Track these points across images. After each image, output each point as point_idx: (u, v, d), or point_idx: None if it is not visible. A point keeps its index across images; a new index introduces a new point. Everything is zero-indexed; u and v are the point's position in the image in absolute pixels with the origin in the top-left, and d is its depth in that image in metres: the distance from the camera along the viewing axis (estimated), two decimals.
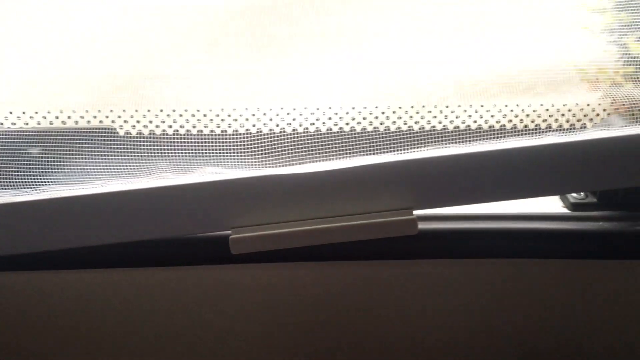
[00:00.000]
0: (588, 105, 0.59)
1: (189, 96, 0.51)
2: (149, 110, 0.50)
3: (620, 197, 0.69)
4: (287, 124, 0.53)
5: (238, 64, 0.49)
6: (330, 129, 0.54)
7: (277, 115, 0.54)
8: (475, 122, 0.61)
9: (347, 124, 0.56)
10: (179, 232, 0.58)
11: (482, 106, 0.59)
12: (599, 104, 0.58)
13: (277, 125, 0.53)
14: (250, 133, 0.52)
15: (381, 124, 0.58)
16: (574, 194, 0.71)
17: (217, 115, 0.52)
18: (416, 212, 0.62)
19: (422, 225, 0.65)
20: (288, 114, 0.54)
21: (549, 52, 0.54)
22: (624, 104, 0.60)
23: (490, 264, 0.69)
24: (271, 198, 0.57)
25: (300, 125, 0.55)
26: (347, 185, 0.57)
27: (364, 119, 0.57)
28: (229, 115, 0.51)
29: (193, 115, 0.50)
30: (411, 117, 0.58)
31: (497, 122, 0.58)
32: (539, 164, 0.58)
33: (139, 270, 0.67)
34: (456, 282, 0.71)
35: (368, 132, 0.58)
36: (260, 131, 0.52)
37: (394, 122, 0.58)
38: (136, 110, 0.50)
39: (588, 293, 0.72)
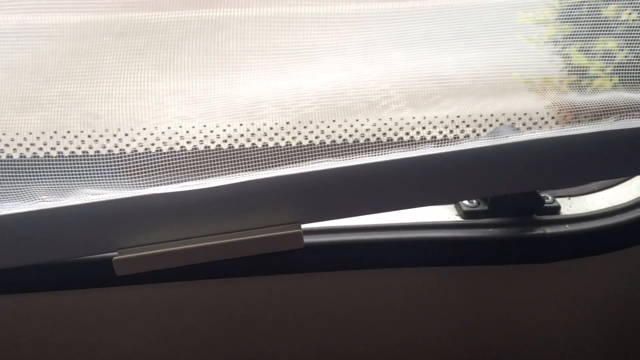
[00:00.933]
0: (537, 113, 0.61)
1: (62, 118, 0.50)
2: (17, 134, 0.49)
3: (509, 204, 0.71)
4: (163, 143, 0.52)
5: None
6: (208, 147, 0.54)
7: (162, 134, 0.54)
8: (374, 135, 0.63)
9: (224, 141, 0.57)
10: (62, 256, 0.57)
11: (390, 119, 0.60)
12: (546, 112, 0.60)
13: (153, 145, 0.53)
14: (125, 153, 0.51)
15: (270, 139, 0.59)
16: (467, 202, 0.73)
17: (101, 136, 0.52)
18: (305, 226, 0.63)
19: (311, 239, 0.66)
20: (174, 134, 0.54)
21: (496, 62, 0.56)
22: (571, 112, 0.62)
23: (384, 274, 0.70)
24: (156, 218, 0.57)
25: (182, 145, 0.54)
26: (232, 202, 0.58)
27: (241, 136, 0.57)
28: (101, 136, 0.50)
29: (64, 137, 0.50)
30: (299, 132, 0.59)
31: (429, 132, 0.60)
32: (424, 174, 0.60)
33: (19, 297, 0.65)
34: (353, 294, 0.72)
35: (258, 148, 0.58)
36: (135, 151, 0.52)
37: (283, 137, 0.59)
38: (4, 134, 0.49)
39: (485, 297, 0.74)
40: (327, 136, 0.55)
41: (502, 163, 0.61)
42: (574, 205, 0.75)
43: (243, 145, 0.54)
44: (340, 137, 0.56)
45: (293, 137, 0.55)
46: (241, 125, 0.53)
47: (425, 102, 0.56)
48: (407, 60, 0.52)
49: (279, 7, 0.48)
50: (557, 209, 0.73)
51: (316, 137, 0.55)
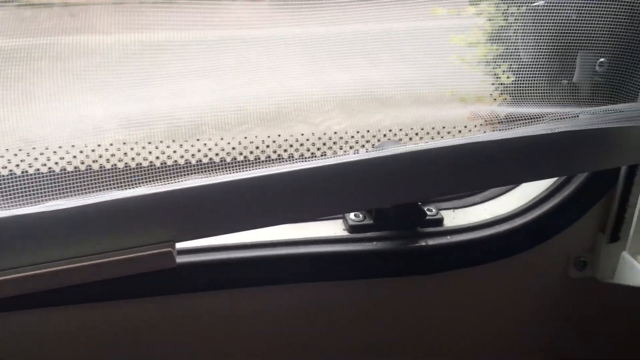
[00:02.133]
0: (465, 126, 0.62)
1: None
2: None
3: (392, 217, 0.72)
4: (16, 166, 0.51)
5: None
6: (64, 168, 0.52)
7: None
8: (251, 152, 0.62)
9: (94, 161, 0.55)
10: None
11: (248, 137, 0.60)
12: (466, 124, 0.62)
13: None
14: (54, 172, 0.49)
15: (145, 159, 0.58)
16: (352, 217, 0.74)
17: None
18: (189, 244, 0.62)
19: (188, 259, 0.65)
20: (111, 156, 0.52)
21: (434, 82, 0.57)
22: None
23: (272, 291, 0.70)
24: (17, 242, 0.55)
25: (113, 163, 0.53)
26: (101, 222, 0.56)
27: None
28: None
29: None
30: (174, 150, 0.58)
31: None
32: (304, 187, 0.60)
33: None
34: (240, 313, 0.71)
35: (129, 167, 0.57)
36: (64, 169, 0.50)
37: (158, 156, 0.58)
38: None
39: (372, 310, 0.75)
40: (268, 154, 0.56)
41: (382, 176, 0.62)
42: (457, 217, 0.77)
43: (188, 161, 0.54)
44: (275, 152, 0.56)
45: (233, 157, 0.55)
46: (181, 146, 0.53)
47: (366, 122, 0.57)
48: (348, 81, 0.53)
49: (221, 30, 0.48)
50: (440, 221, 0.75)
51: (256, 157, 0.55)
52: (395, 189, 0.63)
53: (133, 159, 0.55)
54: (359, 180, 0.61)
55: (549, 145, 0.64)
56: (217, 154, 0.58)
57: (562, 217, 0.74)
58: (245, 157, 0.58)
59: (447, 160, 0.63)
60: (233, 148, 0.58)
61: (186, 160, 0.56)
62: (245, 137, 0.55)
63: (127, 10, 0.45)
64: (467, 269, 0.73)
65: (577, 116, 0.66)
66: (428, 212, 0.75)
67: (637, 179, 0.70)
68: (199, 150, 0.56)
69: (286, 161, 0.59)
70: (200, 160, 0.56)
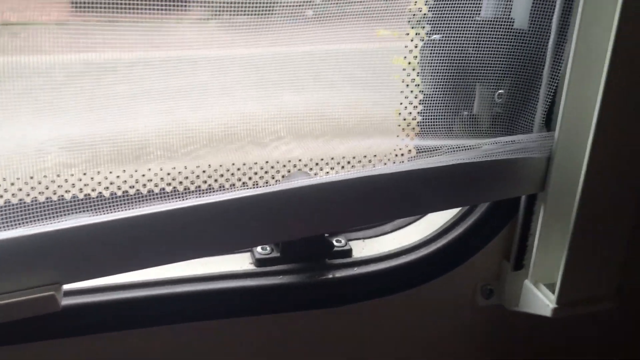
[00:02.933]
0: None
1: None
2: None
3: (299, 249, 0.71)
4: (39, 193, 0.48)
5: None
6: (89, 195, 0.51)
7: None
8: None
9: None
10: None
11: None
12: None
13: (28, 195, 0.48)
14: None
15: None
16: (259, 250, 0.72)
17: None
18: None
19: (79, 300, 0.62)
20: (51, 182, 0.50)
21: (380, 103, 0.57)
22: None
23: (174, 330, 0.67)
24: None
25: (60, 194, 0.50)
26: None
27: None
28: None
29: None
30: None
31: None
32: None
33: None
34: (142, 355, 0.68)
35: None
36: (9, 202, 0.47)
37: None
38: None
39: (282, 346, 0.73)
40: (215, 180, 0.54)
41: (290, 208, 0.61)
42: (367, 247, 0.77)
43: (126, 192, 0.51)
44: (228, 180, 0.56)
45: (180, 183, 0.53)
46: (124, 171, 0.51)
47: (315, 142, 0.57)
48: (298, 102, 0.53)
49: (168, 50, 0.47)
50: (348, 252, 0.74)
51: (204, 182, 0.54)
52: (302, 222, 0.63)
53: (74, 185, 0.52)
54: (265, 214, 0.60)
55: (452, 176, 0.65)
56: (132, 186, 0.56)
57: (467, 245, 0.74)
58: (174, 187, 0.57)
59: (354, 192, 0.62)
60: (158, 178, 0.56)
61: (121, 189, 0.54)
62: (174, 168, 0.54)
63: (71, 30, 0.44)
64: (375, 300, 0.73)
65: (480, 147, 0.67)
66: (336, 243, 0.74)
67: (536, 207, 0.71)
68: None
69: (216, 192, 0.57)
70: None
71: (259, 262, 0.71)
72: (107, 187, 0.54)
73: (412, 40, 0.61)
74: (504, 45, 0.65)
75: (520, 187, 0.69)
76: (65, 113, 0.47)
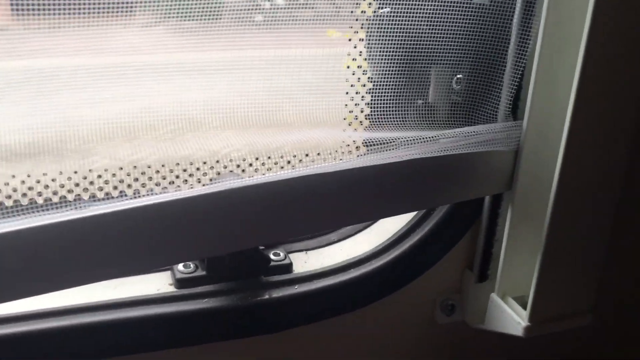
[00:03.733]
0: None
1: None
2: None
3: (228, 266, 0.60)
4: None
5: None
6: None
7: None
8: None
9: None
10: None
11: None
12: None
13: None
14: None
15: None
16: (181, 268, 0.61)
17: None
18: None
19: None
20: None
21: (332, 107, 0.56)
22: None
23: None
24: None
25: None
26: None
27: None
28: None
29: None
30: None
31: None
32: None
33: None
34: None
35: None
36: None
37: None
38: None
39: None
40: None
41: (216, 216, 0.50)
42: (309, 260, 0.66)
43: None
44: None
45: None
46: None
47: (266, 150, 0.54)
48: (247, 108, 0.52)
49: (112, 57, 0.47)
50: (288, 267, 0.63)
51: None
52: (233, 233, 0.52)
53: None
54: (186, 224, 0.49)
55: (404, 174, 0.55)
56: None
57: (424, 255, 0.65)
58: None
59: (291, 195, 0.52)
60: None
61: None
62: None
63: (10, 36, 0.43)
64: (321, 322, 0.62)
65: (437, 140, 0.58)
66: (274, 257, 0.64)
67: (502, 210, 0.62)
68: None
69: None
70: None
71: (180, 282, 0.60)
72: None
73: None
74: (462, 21, 0.56)
75: (484, 186, 0.59)
76: (4, 122, 0.45)
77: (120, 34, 0.46)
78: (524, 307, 0.60)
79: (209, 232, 0.50)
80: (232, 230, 0.52)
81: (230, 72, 0.52)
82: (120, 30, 0.46)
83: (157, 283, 0.61)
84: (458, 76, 0.59)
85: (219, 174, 0.59)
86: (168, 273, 0.62)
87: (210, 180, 0.58)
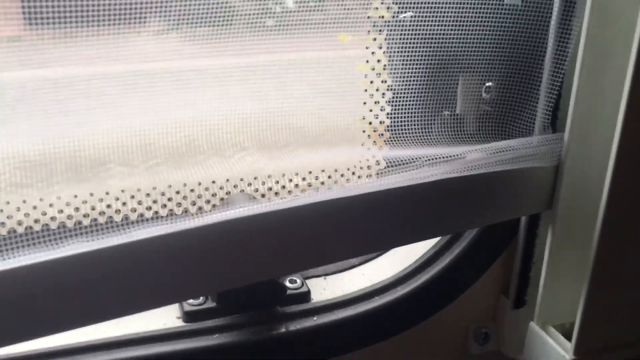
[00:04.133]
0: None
1: None
2: None
3: (240, 297, 0.55)
4: None
5: None
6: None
7: None
8: None
9: None
10: None
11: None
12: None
13: None
14: None
15: None
16: (191, 300, 0.56)
17: None
18: None
19: None
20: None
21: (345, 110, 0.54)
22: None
23: None
24: None
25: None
26: None
27: None
28: None
29: None
30: None
31: None
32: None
33: None
34: None
35: None
36: None
37: None
38: None
39: None
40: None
41: (229, 246, 0.45)
42: (329, 287, 0.61)
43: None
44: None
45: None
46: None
47: (280, 153, 0.53)
48: (262, 112, 0.51)
49: (126, 64, 0.47)
50: (305, 295, 0.58)
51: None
52: (246, 263, 0.47)
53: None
54: (197, 255, 0.44)
55: (433, 196, 0.49)
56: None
57: (455, 280, 0.60)
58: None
59: (308, 222, 0.47)
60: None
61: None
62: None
63: (24, 47, 0.43)
64: (342, 357, 0.57)
65: (464, 157, 0.52)
66: (290, 285, 0.58)
67: (540, 229, 0.56)
68: None
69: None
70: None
71: (189, 315, 0.55)
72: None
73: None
74: (492, 24, 0.51)
75: (520, 206, 0.54)
76: (19, 131, 0.45)
77: (134, 42, 0.46)
78: (568, 338, 0.54)
79: (220, 264, 0.46)
80: (246, 261, 0.47)
81: (245, 77, 0.51)
82: (133, 39, 0.46)
83: (164, 317, 0.56)
84: (488, 84, 0.54)
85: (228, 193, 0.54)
86: (176, 305, 0.57)
87: (222, 200, 0.54)
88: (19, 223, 0.46)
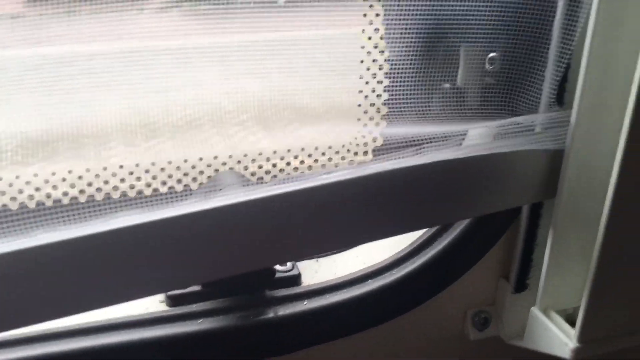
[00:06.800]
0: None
1: None
2: None
3: (226, 280, 0.52)
4: None
5: None
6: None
7: None
8: None
9: None
10: None
11: None
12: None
13: None
14: None
15: None
16: None
17: None
18: None
19: None
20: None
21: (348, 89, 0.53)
22: None
23: None
24: None
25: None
26: None
27: None
28: None
29: None
30: None
31: None
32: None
33: None
34: None
35: None
36: None
37: None
38: None
39: None
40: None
41: (216, 232, 0.43)
42: (321, 269, 0.59)
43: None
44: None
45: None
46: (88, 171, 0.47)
47: (283, 132, 0.52)
48: (264, 90, 0.51)
49: (129, 41, 0.47)
50: (295, 278, 0.56)
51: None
52: (236, 252, 0.44)
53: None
54: (183, 244, 0.42)
55: (431, 179, 0.46)
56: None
57: (453, 263, 0.57)
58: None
59: (299, 207, 0.45)
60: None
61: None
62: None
63: (26, 23, 0.43)
64: (333, 342, 0.55)
65: (465, 134, 0.49)
66: (280, 268, 0.56)
67: (544, 209, 0.53)
68: None
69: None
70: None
71: (173, 299, 0.53)
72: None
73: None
74: None
75: (523, 192, 0.51)
76: (21, 109, 0.45)
77: (136, 18, 0.46)
78: (571, 324, 0.52)
79: (209, 252, 0.44)
80: (235, 250, 0.45)
81: (247, 54, 0.50)
82: (135, 15, 0.46)
83: (146, 301, 0.53)
84: (492, 54, 0.50)
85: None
86: None
87: (209, 177, 0.51)
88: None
